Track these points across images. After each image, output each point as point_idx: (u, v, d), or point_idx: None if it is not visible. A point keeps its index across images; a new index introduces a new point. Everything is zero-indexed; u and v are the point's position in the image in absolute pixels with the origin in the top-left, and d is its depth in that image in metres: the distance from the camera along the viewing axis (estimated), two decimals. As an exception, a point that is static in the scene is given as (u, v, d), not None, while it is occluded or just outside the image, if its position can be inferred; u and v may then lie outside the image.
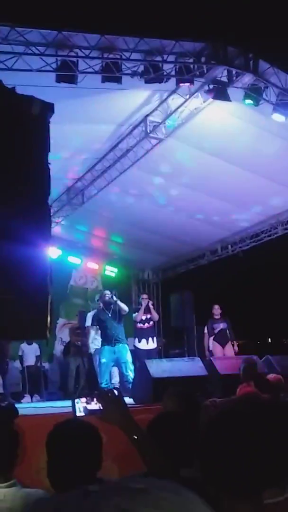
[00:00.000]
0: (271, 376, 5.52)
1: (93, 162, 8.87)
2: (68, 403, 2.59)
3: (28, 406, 6.58)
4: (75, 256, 11.88)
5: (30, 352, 9.32)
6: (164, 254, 12.39)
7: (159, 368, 6.43)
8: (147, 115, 7.62)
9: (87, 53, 6.01)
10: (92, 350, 8.96)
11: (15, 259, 3.36)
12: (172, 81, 6.52)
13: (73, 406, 2.26)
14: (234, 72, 6.48)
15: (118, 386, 7.94)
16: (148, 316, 8.82)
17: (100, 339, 8.11)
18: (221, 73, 6.53)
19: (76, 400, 2.26)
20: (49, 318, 3.52)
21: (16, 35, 5.63)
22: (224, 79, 6.54)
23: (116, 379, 8.44)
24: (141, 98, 7.20)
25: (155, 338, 8.91)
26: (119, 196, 9.57)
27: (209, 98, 6.81)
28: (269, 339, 24.74)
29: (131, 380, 7.17)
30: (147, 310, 8.85)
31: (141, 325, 8.79)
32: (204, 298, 11.16)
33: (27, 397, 8.77)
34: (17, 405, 4.45)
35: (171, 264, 13.30)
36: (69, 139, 7.46)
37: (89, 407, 2.21)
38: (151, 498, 0.85)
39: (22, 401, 8.42)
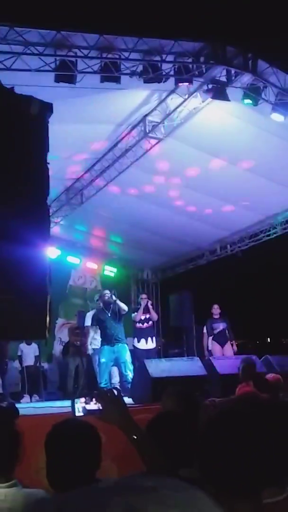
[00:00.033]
0: (270, 375, 5.52)
1: (92, 162, 8.86)
2: (67, 403, 2.59)
3: (27, 406, 6.58)
4: (74, 256, 11.86)
5: (29, 352, 9.32)
6: (163, 254, 12.39)
7: (158, 368, 6.43)
8: (146, 115, 7.61)
9: (86, 53, 6.01)
10: (90, 351, 8.95)
11: (14, 259, 3.36)
12: (171, 81, 6.51)
13: (72, 406, 2.27)
14: (233, 71, 6.48)
15: (118, 386, 7.94)
16: (147, 316, 8.83)
17: (100, 339, 8.11)
18: (220, 72, 6.53)
19: (75, 400, 2.26)
20: (48, 318, 3.52)
21: (15, 35, 5.63)
22: (223, 78, 6.53)
23: (116, 379, 8.43)
24: (140, 98, 7.20)
25: (154, 338, 8.92)
26: (118, 196, 9.56)
27: (208, 98, 6.80)
28: (268, 339, 24.79)
29: (130, 380, 7.17)
30: (146, 310, 8.86)
31: (140, 325, 8.80)
32: (203, 298, 11.16)
33: (26, 397, 8.77)
34: (16, 405, 4.45)
35: (170, 264, 13.29)
36: (68, 139, 7.45)
37: (88, 407, 2.21)
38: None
39: (21, 401, 8.41)
